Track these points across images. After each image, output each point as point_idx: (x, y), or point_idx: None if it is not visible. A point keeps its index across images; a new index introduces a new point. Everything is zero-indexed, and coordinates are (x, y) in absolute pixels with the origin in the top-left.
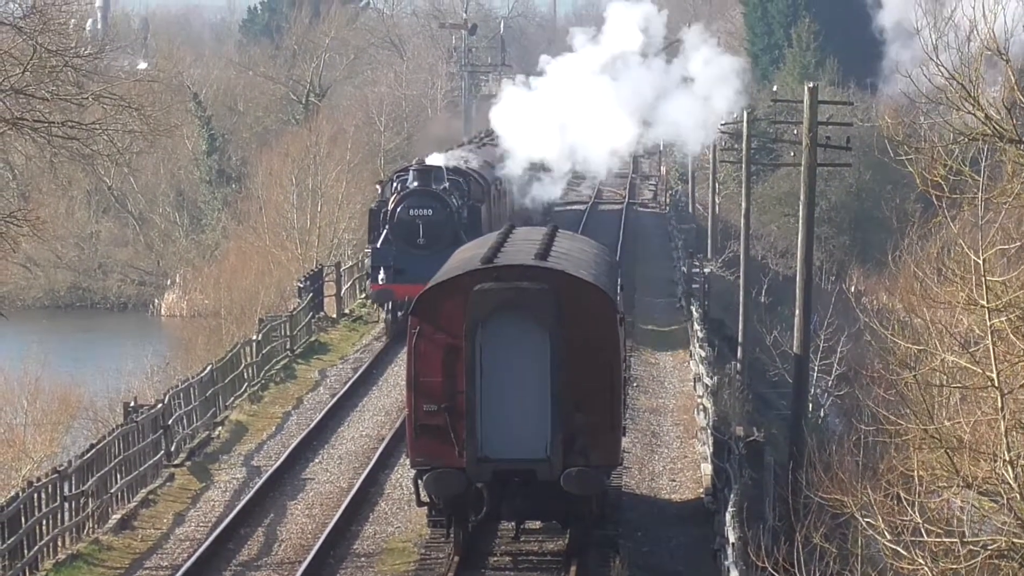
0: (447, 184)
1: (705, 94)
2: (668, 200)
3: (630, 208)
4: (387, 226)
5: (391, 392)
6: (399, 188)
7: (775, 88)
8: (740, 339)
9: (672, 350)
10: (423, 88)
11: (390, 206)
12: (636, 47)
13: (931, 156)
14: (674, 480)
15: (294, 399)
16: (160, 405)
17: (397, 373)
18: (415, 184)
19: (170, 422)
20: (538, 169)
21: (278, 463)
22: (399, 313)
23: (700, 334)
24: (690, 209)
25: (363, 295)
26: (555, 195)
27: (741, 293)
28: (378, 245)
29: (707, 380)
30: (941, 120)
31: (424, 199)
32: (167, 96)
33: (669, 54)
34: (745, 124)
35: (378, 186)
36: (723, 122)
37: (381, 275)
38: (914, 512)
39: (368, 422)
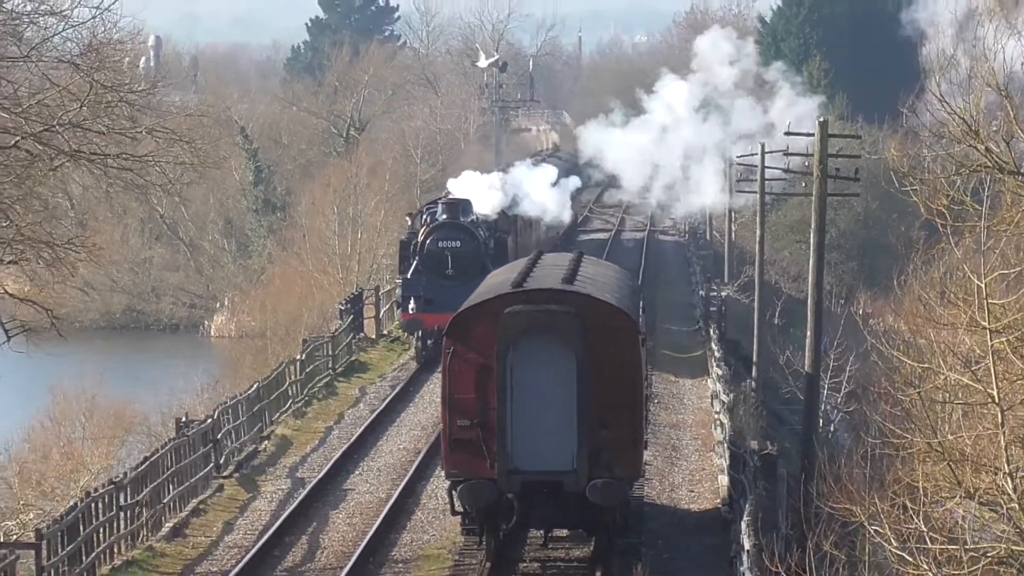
0: (475, 216)
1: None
2: (687, 228)
3: (651, 235)
4: (417, 257)
5: (426, 408)
6: (428, 220)
7: (788, 122)
8: (755, 358)
9: (691, 369)
10: (456, 122)
11: (420, 238)
12: (727, 84)
13: (934, 187)
14: (692, 491)
15: (336, 414)
16: (210, 420)
17: (432, 391)
18: (444, 217)
19: (219, 436)
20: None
21: (321, 475)
22: (428, 341)
23: (717, 354)
24: (708, 236)
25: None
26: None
27: (756, 315)
28: (408, 276)
29: (724, 397)
30: (944, 153)
31: (452, 231)
32: (216, 130)
33: (758, 95)
34: (761, 156)
35: (408, 218)
36: (739, 155)
37: (411, 305)
38: (919, 521)
39: (405, 436)
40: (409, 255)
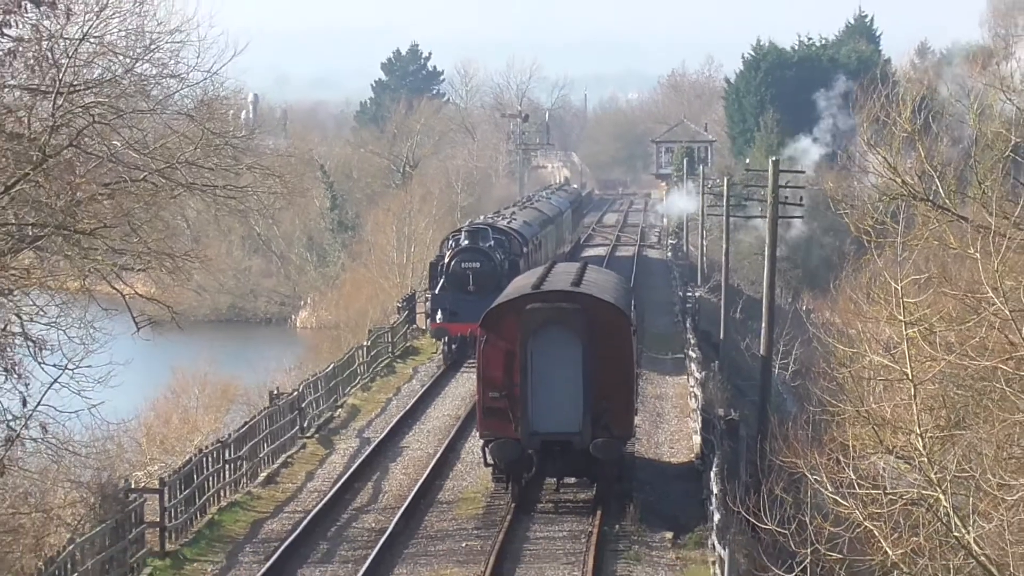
0: (492, 242)
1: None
2: (669, 243)
3: (641, 249)
4: (443, 276)
5: (465, 384)
6: (454, 245)
7: (747, 161)
8: (721, 344)
9: (671, 353)
10: (488, 161)
11: (446, 260)
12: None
13: (862, 211)
14: (672, 448)
15: (394, 388)
16: (296, 393)
17: (468, 372)
18: (466, 242)
19: (303, 405)
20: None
21: (382, 435)
22: (453, 346)
23: (692, 341)
24: (685, 249)
25: None
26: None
27: (722, 311)
28: (436, 291)
29: (697, 375)
30: (870, 184)
31: (473, 254)
32: (301, 167)
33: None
34: (726, 187)
35: (441, 246)
36: (709, 184)
37: (439, 316)
38: (849, 471)
39: (448, 405)
40: (437, 274)
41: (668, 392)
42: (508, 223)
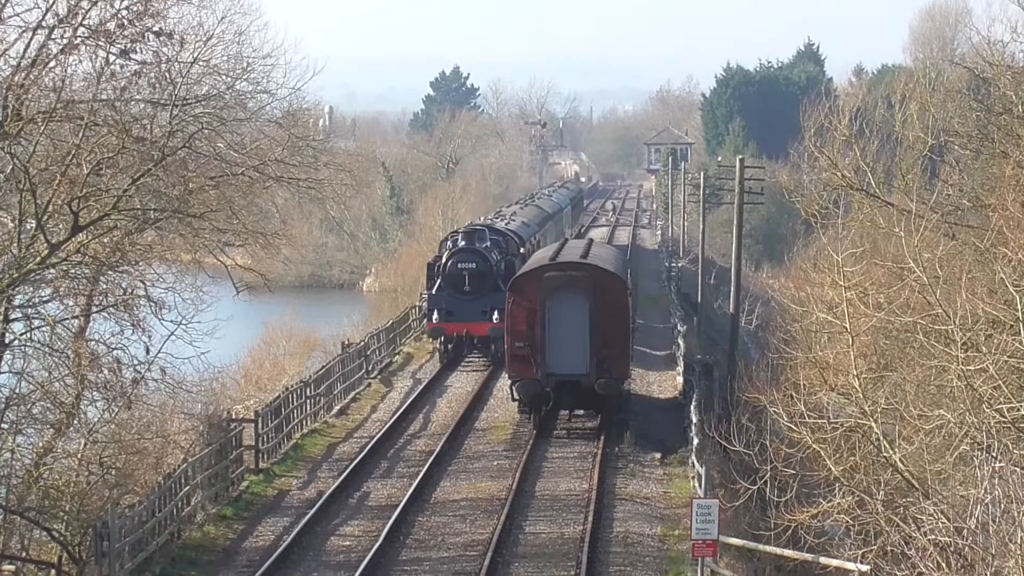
0: (488, 243)
1: None
2: (658, 224)
3: (636, 228)
4: (440, 276)
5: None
6: (451, 246)
7: (719, 158)
8: (699, 304)
9: (660, 310)
10: (515, 159)
11: (443, 260)
12: None
13: (810, 198)
14: (660, 386)
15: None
16: (363, 342)
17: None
18: (463, 243)
19: (368, 352)
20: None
21: (431, 376)
22: (449, 346)
23: (675, 301)
24: (670, 228)
25: None
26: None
27: (699, 277)
28: (433, 292)
29: (680, 328)
30: (816, 177)
31: (469, 255)
32: (366, 164)
33: None
34: (702, 179)
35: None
36: (689, 177)
37: (435, 316)
38: (800, 405)
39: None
40: (434, 275)
41: (656, 342)
42: (506, 224)
